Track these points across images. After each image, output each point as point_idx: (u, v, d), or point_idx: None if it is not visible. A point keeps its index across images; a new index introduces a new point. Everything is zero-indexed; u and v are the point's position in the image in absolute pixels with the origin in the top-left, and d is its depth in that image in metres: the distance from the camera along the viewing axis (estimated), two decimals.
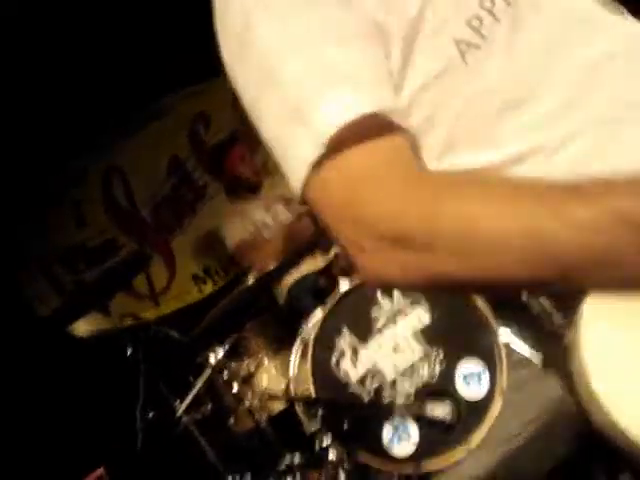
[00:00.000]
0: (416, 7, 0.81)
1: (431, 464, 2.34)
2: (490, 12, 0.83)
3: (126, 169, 4.37)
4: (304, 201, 0.79)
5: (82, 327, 3.63)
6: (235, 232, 3.31)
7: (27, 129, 3.87)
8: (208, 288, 4.24)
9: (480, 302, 2.50)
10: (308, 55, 0.77)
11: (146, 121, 4.38)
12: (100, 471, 2.78)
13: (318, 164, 0.75)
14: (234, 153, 3.33)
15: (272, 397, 2.66)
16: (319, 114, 0.74)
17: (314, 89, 0.76)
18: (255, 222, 3.25)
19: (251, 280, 2.63)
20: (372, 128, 0.74)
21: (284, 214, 3.26)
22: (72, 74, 3.83)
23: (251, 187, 3.31)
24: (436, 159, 0.86)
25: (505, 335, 2.58)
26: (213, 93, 4.21)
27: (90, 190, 4.35)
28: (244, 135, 3.92)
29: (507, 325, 2.81)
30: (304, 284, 3.01)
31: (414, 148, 0.80)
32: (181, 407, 2.72)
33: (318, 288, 2.88)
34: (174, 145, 4.41)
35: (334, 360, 2.45)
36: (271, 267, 2.63)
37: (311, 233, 3.08)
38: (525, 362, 2.61)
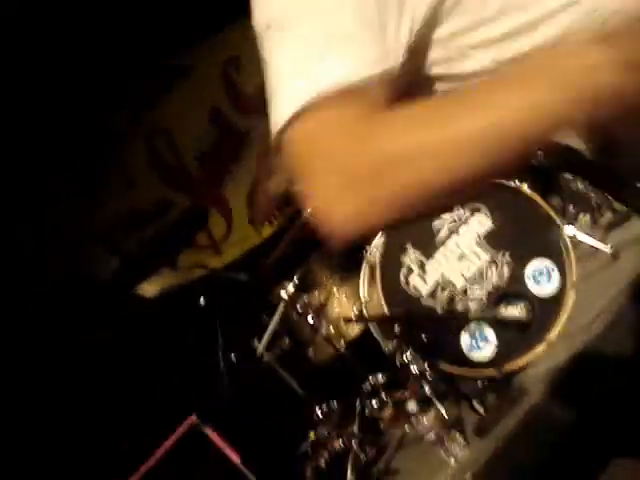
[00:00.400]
0: None
1: (512, 364, 2.37)
2: None
3: (168, 126, 4.41)
4: (277, 143, 0.85)
5: (152, 286, 3.72)
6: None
7: (67, 96, 3.92)
8: (267, 230, 4.27)
9: (540, 200, 2.49)
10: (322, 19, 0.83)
11: (179, 76, 4.39)
12: (192, 418, 2.89)
13: (306, 108, 0.81)
14: None
15: (347, 320, 2.70)
16: (319, 69, 0.82)
17: (318, 51, 0.83)
18: None
19: (306, 215, 2.65)
20: (350, 93, 0.81)
21: None
22: (99, 35, 3.85)
23: None
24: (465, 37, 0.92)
25: (570, 229, 2.58)
26: (239, 36, 4.19)
27: (135, 151, 4.41)
28: None
29: (570, 220, 2.80)
30: None
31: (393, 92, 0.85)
32: (260, 345, 2.79)
33: None
34: (211, 96, 4.42)
35: (402, 277, 2.47)
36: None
37: None
38: (593, 252, 2.61)
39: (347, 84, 0.81)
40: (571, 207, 2.88)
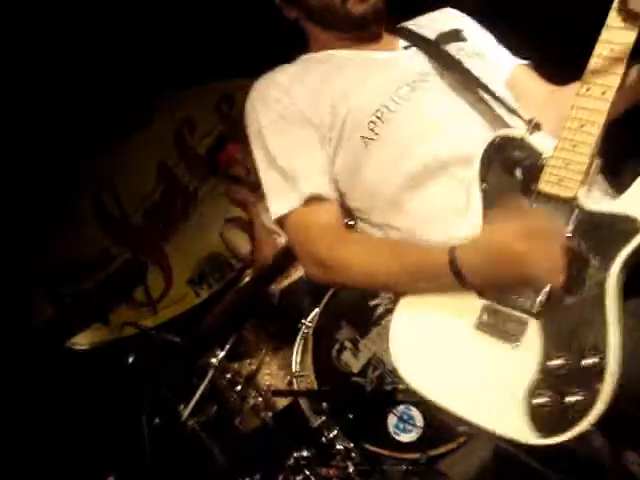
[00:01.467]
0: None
1: (437, 449, 2.36)
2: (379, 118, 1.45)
3: (115, 178, 4.39)
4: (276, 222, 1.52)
5: (83, 339, 3.65)
6: (234, 234, 3.31)
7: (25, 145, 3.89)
8: (204, 292, 4.25)
9: None
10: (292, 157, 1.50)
11: (132, 129, 4.40)
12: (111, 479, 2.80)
13: (291, 211, 1.47)
14: (225, 154, 3.32)
15: (276, 393, 2.67)
16: (299, 186, 1.46)
17: (296, 174, 1.48)
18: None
19: (246, 280, 2.65)
20: (320, 201, 1.47)
21: None
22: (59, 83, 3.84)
23: (249, 186, 3.30)
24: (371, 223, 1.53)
25: None
26: (197, 99, 4.23)
27: (82, 201, 4.38)
28: (233, 136, 3.97)
29: None
30: (298, 284, 3.01)
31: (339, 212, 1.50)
32: (186, 411, 2.73)
33: (313, 286, 2.89)
34: (161, 151, 4.42)
35: (335, 353, 2.47)
36: (267, 265, 2.65)
37: None
38: None
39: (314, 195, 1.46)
40: None
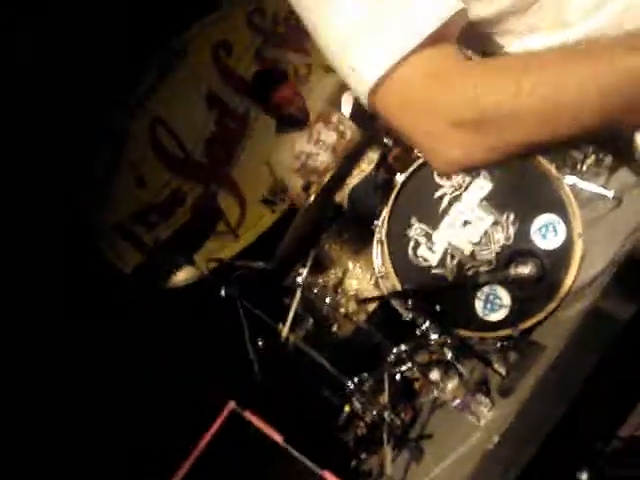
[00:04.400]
0: None
1: (528, 322, 2.41)
2: None
3: (167, 117, 4.44)
4: (371, 106, 0.88)
5: (175, 278, 3.80)
6: (284, 164, 3.35)
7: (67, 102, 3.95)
8: (280, 207, 4.32)
9: (536, 156, 2.50)
10: None
11: (170, 64, 4.40)
12: (231, 405, 2.98)
13: (392, 70, 0.84)
14: (282, 93, 3.30)
15: (363, 301, 2.75)
16: (395, 27, 0.84)
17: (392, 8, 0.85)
18: (302, 152, 3.29)
19: (312, 196, 2.69)
20: (437, 41, 0.84)
21: (327, 136, 3.28)
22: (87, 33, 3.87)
23: (299, 121, 3.32)
24: (518, 39, 0.94)
25: (570, 179, 2.59)
26: (227, 19, 4.19)
27: (140, 148, 4.46)
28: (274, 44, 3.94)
29: (572, 166, 2.79)
30: (363, 185, 3.05)
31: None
32: (284, 329, 2.85)
33: (378, 184, 2.91)
34: (205, 80, 4.43)
35: (411, 251, 2.51)
36: (326, 180, 2.68)
37: (356, 144, 3.13)
38: (595, 197, 2.62)
39: (428, 34, 0.82)
40: (574, 152, 2.88)
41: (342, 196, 3.12)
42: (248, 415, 2.96)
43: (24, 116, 3.82)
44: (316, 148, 3.30)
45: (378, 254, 2.68)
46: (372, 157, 3.08)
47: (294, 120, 3.32)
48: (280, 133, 3.41)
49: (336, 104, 3.37)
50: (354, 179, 3.14)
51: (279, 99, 3.28)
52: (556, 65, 0.79)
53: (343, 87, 3.28)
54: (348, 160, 2.97)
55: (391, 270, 2.48)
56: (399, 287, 2.47)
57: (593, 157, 2.78)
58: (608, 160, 2.72)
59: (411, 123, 0.86)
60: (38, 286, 3.97)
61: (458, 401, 2.35)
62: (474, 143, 0.82)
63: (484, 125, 0.81)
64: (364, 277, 2.99)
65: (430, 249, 2.49)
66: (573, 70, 0.78)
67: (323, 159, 3.28)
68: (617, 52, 0.77)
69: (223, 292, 3.05)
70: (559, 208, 2.47)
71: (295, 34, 4.20)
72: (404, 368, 2.71)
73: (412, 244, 2.51)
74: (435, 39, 0.83)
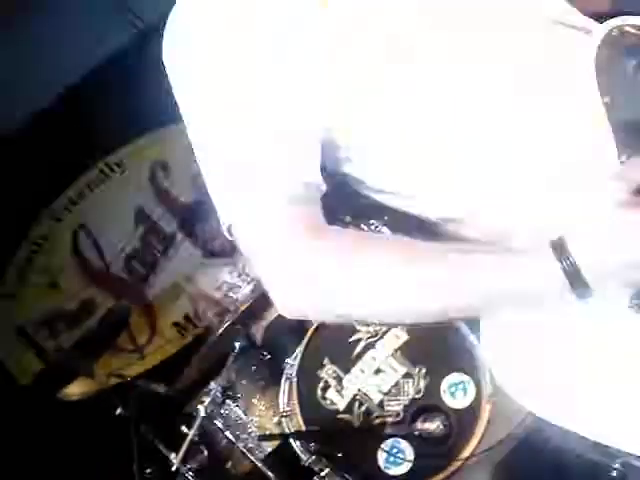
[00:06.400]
0: None
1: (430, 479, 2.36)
2: None
3: (92, 226, 4.38)
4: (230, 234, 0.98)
5: (71, 390, 3.62)
6: (203, 292, 3.33)
7: None
8: (191, 332, 4.23)
9: None
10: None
11: (106, 175, 4.40)
12: None
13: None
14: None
15: (263, 438, 2.66)
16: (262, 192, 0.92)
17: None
18: (225, 282, 3.28)
19: (225, 326, 2.66)
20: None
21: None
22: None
23: (225, 252, 3.32)
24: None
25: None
26: (169, 140, 4.24)
27: (60, 253, 4.36)
28: None
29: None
30: (281, 322, 3.02)
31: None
32: (177, 459, 2.71)
33: (296, 322, 2.89)
34: (138, 195, 4.42)
35: (319, 392, 2.48)
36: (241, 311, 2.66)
37: None
38: None
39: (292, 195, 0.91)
40: None
41: (258, 329, 3.08)
42: None
43: None
44: (239, 280, 3.28)
45: (285, 391, 2.63)
46: None
47: (221, 251, 3.32)
48: (205, 260, 3.40)
49: None
50: (273, 315, 3.11)
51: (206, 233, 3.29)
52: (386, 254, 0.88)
53: None
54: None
55: (297, 409, 2.42)
56: (303, 428, 2.41)
57: None
58: None
59: (254, 264, 0.95)
60: None
61: None
62: (314, 305, 0.91)
63: (309, 288, 0.89)
64: (267, 414, 2.90)
65: (339, 392, 2.46)
66: (394, 262, 0.87)
67: (245, 292, 3.25)
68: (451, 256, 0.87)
69: (119, 411, 2.92)
70: (471, 368, 2.48)
71: None
72: None
73: (322, 384, 2.47)
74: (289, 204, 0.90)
